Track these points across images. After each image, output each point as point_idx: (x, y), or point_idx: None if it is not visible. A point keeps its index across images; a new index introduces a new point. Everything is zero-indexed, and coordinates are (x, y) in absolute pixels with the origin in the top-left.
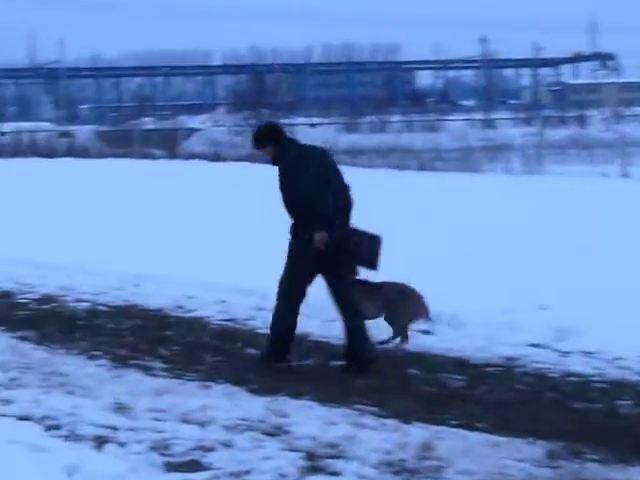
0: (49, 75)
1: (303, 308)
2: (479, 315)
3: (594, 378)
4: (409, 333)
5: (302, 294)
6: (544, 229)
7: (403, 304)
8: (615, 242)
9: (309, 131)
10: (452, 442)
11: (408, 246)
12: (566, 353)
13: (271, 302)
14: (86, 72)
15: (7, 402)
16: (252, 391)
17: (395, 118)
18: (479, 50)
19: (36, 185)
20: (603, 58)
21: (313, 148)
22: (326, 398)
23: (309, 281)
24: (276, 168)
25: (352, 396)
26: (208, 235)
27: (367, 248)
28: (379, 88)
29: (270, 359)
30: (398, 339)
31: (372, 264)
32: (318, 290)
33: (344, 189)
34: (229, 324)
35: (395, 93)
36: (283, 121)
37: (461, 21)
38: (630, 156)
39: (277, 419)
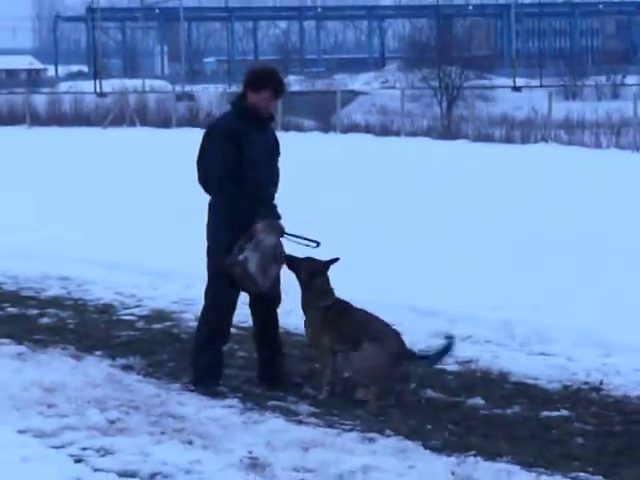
0: (164, 17)
1: None
2: None
3: None
4: None
5: None
6: None
7: None
8: None
9: (512, 96)
10: None
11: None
12: None
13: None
14: (213, 13)
15: (106, 452)
16: (431, 448)
17: (632, 80)
18: None
19: (146, 165)
20: None
21: None
22: (533, 461)
23: None
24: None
25: (569, 460)
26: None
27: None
28: (610, 38)
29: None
30: None
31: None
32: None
33: None
34: None
35: (633, 45)
36: (476, 82)
37: None
38: None
39: None
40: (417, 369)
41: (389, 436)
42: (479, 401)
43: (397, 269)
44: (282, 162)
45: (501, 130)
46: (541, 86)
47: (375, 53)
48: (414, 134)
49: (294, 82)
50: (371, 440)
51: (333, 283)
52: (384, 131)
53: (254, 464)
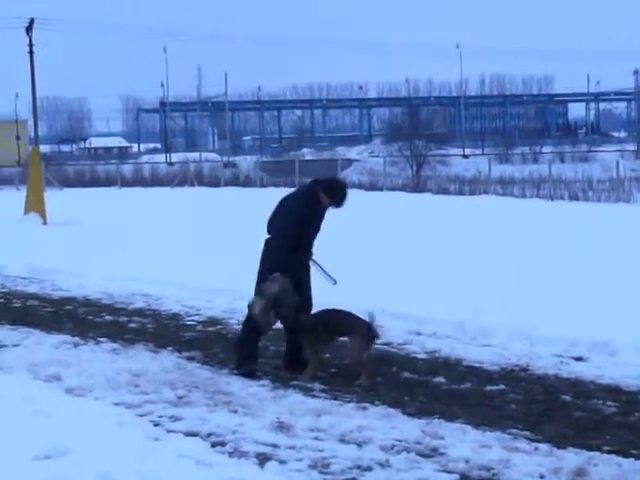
0: (214, 108)
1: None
2: (633, 342)
3: None
4: None
5: None
6: None
7: None
8: None
9: (462, 161)
10: (606, 468)
11: (561, 274)
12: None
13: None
14: (249, 105)
15: (176, 419)
16: (408, 413)
17: (547, 149)
18: (631, 82)
19: (202, 213)
20: None
21: None
22: (480, 422)
23: None
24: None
25: (505, 420)
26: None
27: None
28: (531, 120)
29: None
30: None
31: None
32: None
33: None
34: (385, 348)
35: (547, 125)
36: (437, 152)
37: (614, 53)
38: None
39: (432, 441)
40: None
41: (377, 405)
42: (441, 380)
43: (377, 282)
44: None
45: (455, 185)
46: (483, 154)
47: (364, 132)
48: (393, 189)
49: (307, 153)
50: (364, 408)
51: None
52: (372, 187)
53: (281, 426)
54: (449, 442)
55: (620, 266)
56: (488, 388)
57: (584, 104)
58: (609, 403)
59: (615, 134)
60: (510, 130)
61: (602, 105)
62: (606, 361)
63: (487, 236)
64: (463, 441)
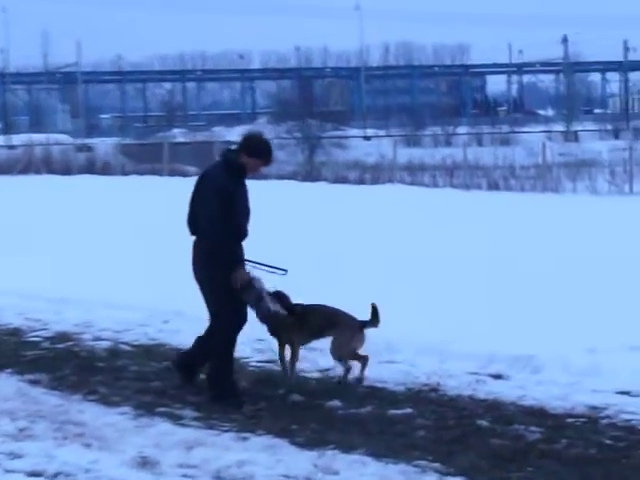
0: (65, 80)
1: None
2: (558, 357)
3: None
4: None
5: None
6: (635, 260)
7: None
8: None
9: (363, 144)
10: None
11: (477, 278)
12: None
13: None
14: (107, 77)
15: (16, 456)
16: (297, 444)
17: (462, 130)
18: (559, 52)
19: (49, 206)
20: None
21: None
22: (382, 452)
23: None
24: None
25: (412, 450)
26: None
27: None
28: (444, 95)
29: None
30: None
31: None
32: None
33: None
34: (269, 366)
35: (462, 101)
36: (333, 133)
37: (539, 18)
38: None
39: (325, 477)
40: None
41: (260, 435)
42: (337, 403)
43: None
44: (171, 203)
45: (355, 173)
46: (387, 135)
47: (247, 109)
48: (281, 177)
49: (178, 134)
50: (245, 439)
51: None
52: (256, 175)
53: (144, 462)
54: (345, 477)
55: (546, 267)
56: (392, 412)
57: (505, 77)
58: (532, 428)
59: (541, 112)
60: (419, 107)
61: (526, 78)
62: (528, 379)
63: (390, 232)
64: (362, 475)
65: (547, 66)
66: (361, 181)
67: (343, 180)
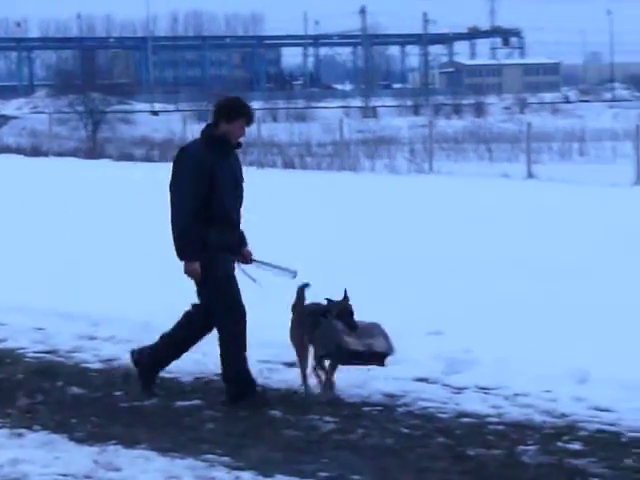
0: None
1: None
2: None
3: (492, 419)
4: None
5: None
6: (435, 241)
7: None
8: (517, 257)
9: (150, 120)
10: None
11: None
12: (459, 389)
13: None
14: None
15: None
16: (76, 439)
17: (256, 105)
18: (357, 23)
19: None
20: (504, 34)
21: None
22: (168, 447)
23: None
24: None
25: (200, 443)
26: (21, 248)
27: None
28: (237, 68)
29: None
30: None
31: None
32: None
33: None
34: (48, 357)
35: (256, 74)
36: (118, 107)
37: None
38: (536, 152)
39: (107, 473)
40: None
41: (37, 431)
42: (120, 395)
43: (45, 275)
44: None
45: (142, 150)
46: (177, 110)
47: (24, 81)
48: (61, 154)
49: None
50: (20, 435)
51: None
52: (34, 152)
53: None
54: (128, 474)
55: (339, 250)
56: (179, 404)
57: (301, 49)
58: (327, 418)
59: (339, 86)
60: (210, 80)
61: (323, 51)
62: None
63: None
64: (146, 472)
65: (345, 38)
66: (149, 158)
67: (129, 157)
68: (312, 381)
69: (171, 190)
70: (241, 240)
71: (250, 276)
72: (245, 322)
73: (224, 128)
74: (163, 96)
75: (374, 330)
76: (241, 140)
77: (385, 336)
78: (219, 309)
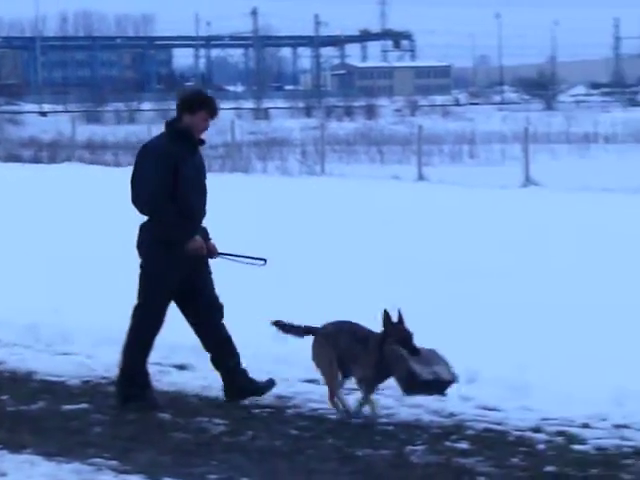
0: None
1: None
2: (247, 346)
3: (381, 420)
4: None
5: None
6: (325, 243)
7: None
8: (408, 258)
9: (39, 121)
10: None
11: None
12: (349, 390)
13: None
14: None
15: None
16: None
17: (147, 106)
18: (249, 25)
19: None
20: (396, 37)
21: None
22: (54, 451)
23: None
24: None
25: (87, 447)
26: None
27: None
28: (127, 69)
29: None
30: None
31: None
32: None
33: None
34: None
35: (147, 75)
36: (6, 108)
37: None
38: (427, 155)
39: None
40: None
41: None
42: (6, 399)
43: None
44: None
45: (30, 151)
46: (66, 111)
47: None
48: None
49: None
50: None
51: None
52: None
53: None
54: (13, 479)
55: (235, 249)
56: (66, 408)
57: (192, 50)
58: (217, 420)
59: (230, 88)
60: (100, 81)
61: (214, 52)
62: (213, 370)
63: (68, 211)
64: (31, 477)
65: (236, 40)
66: (37, 160)
67: (17, 158)
68: (350, 397)
69: (133, 184)
70: (204, 235)
71: (250, 257)
72: (158, 332)
73: (187, 120)
74: (52, 97)
75: (434, 356)
76: (203, 136)
77: (446, 363)
78: (145, 307)
